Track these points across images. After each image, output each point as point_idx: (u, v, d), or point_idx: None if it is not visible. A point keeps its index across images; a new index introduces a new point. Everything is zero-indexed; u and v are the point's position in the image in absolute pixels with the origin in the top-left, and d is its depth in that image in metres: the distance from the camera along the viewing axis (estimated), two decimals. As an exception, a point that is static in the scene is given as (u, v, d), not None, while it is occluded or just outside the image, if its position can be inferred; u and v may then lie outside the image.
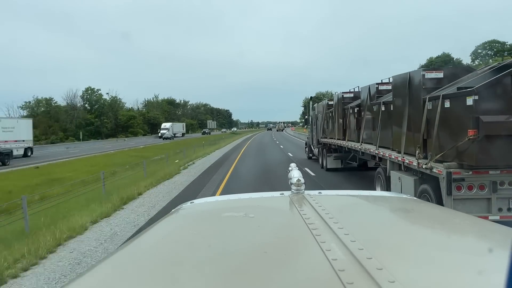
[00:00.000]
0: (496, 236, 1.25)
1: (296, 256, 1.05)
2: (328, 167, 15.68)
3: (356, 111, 12.18)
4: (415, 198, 1.95)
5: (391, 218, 1.62)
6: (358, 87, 13.72)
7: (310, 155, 21.23)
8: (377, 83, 10.57)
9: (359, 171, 14.92)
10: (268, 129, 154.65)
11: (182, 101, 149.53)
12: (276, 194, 1.86)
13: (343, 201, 1.88)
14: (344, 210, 1.68)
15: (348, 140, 12.79)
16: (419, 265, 0.95)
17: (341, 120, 13.83)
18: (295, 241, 1.17)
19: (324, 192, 1.90)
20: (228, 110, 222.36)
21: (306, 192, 1.77)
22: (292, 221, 1.37)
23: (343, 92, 14.01)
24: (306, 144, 23.07)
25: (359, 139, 11.42)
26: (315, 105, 20.02)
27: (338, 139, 14.16)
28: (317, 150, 18.86)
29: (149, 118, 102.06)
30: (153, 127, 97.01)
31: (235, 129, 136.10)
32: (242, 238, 1.28)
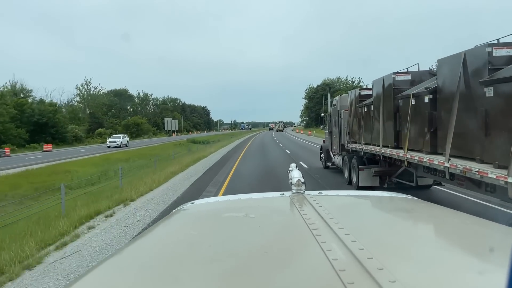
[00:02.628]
0: (496, 236, 1.23)
1: (296, 256, 1.05)
2: (360, 184, 10.70)
3: (428, 100, 7.22)
4: (415, 198, 1.90)
5: (392, 218, 1.60)
6: (418, 64, 8.83)
7: (328, 163, 16.07)
8: (488, 45, 5.61)
9: (405, 189, 9.95)
10: (269, 129, 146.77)
11: (141, 94, 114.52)
12: (277, 194, 1.85)
13: (343, 201, 1.89)
14: (344, 210, 1.69)
15: (409, 150, 7.86)
16: (419, 265, 0.94)
17: (391, 118, 8.82)
18: (295, 241, 1.17)
19: (324, 192, 1.89)
20: (206, 107, 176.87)
21: (307, 192, 1.76)
22: (292, 222, 1.37)
23: (394, 73, 8.78)
24: (321, 149, 17.57)
25: (445, 149, 6.45)
26: (337, 98, 14.69)
27: (384, 146, 9.22)
28: (340, 158, 13.76)
29: (28, 114, 51.33)
30: (41, 130, 51.96)
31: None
32: (242, 239, 1.27)
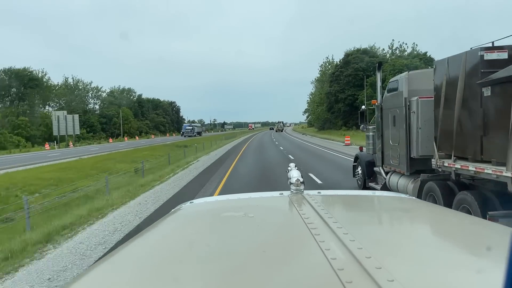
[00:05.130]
0: (494, 236, 1.24)
1: (295, 255, 1.05)
2: None
3: None
4: (414, 197, 1.90)
5: (390, 217, 1.59)
6: None
7: (371, 184, 10.29)
8: None
9: None
10: (270, 128, 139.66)
11: (71, 80, 78.40)
12: (276, 194, 1.84)
13: (342, 201, 1.88)
14: (343, 209, 1.71)
15: None
16: (418, 264, 0.95)
17: None
18: (294, 240, 1.17)
19: (323, 192, 1.88)
20: (174, 102, 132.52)
21: (306, 192, 1.75)
22: (291, 221, 1.37)
23: None
24: (356, 160, 11.66)
25: None
26: (401, 77, 8.21)
27: None
28: (409, 183, 7.78)
29: None
30: None
31: None
32: (241, 238, 1.26)
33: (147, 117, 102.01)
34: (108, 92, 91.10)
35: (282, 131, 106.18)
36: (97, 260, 5.28)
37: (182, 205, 1.83)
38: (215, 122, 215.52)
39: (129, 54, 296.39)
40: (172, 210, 1.80)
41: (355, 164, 11.56)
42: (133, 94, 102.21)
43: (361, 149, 11.56)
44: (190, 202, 1.84)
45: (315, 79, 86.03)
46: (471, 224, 1.42)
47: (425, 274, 0.87)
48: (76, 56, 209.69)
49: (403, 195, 1.91)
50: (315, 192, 1.81)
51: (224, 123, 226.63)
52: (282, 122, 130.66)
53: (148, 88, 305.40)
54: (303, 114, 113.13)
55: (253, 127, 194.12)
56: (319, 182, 12.99)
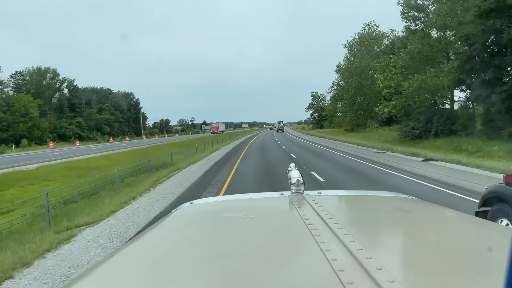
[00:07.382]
0: (495, 236, 1.23)
1: (295, 256, 1.05)
2: None
3: None
4: (414, 198, 1.91)
5: (391, 218, 1.58)
6: None
7: None
8: None
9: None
10: (270, 128, 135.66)
11: None
12: (276, 194, 1.84)
13: (342, 201, 1.88)
14: (343, 210, 1.71)
15: None
16: (418, 265, 0.95)
17: None
18: (294, 241, 1.17)
19: (323, 192, 1.87)
20: (132, 94, 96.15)
21: (306, 192, 1.74)
22: (291, 222, 1.37)
23: None
24: (491, 204, 4.73)
25: None
26: None
27: None
28: None
29: None
30: None
31: None
32: (241, 239, 1.27)
33: (80, 113, 69.11)
34: (13, 74, 58.04)
35: (283, 131, 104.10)
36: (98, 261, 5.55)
37: (182, 205, 1.83)
38: (193, 122, 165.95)
39: (120, 55, 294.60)
40: (173, 210, 1.80)
41: (484, 209, 4.99)
42: (58, 78, 65.87)
43: (509, 179, 4.82)
44: (191, 203, 1.84)
45: (361, 32, 48.30)
46: (472, 224, 1.41)
47: (425, 275, 0.87)
48: (74, 57, 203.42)
49: (403, 195, 1.91)
50: (315, 192, 1.81)
51: (204, 123, 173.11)
52: (282, 121, 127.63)
53: (142, 88, 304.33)
54: (306, 111, 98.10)
55: (220, 129, 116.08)
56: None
